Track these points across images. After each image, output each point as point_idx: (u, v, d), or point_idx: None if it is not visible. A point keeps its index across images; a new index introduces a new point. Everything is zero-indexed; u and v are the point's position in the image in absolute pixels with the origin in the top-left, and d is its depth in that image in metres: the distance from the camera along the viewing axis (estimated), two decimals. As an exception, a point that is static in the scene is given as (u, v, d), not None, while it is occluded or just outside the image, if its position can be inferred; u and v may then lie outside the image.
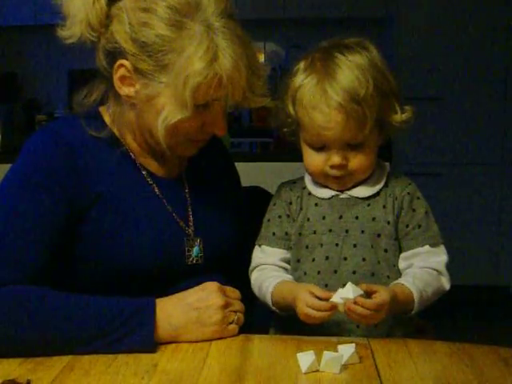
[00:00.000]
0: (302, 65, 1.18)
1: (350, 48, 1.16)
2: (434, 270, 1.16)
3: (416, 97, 3.60)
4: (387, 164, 1.26)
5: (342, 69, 1.13)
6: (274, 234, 1.24)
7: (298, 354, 0.99)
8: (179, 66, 1.08)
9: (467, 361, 1.01)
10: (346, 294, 1.04)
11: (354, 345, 1.02)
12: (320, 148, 1.17)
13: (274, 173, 2.80)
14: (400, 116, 1.20)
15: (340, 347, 1.00)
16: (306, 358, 0.98)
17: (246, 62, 1.11)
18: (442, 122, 3.69)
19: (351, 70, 1.13)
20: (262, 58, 4.11)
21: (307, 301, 1.06)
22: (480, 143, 3.70)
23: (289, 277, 1.21)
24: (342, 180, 1.19)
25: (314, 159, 1.18)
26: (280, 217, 1.24)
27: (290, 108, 1.18)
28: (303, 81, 1.16)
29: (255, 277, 1.23)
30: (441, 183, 3.70)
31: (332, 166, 1.16)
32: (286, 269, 1.23)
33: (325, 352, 0.98)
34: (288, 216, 1.24)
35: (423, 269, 1.16)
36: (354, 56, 1.15)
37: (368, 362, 1.00)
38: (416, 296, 1.10)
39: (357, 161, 1.17)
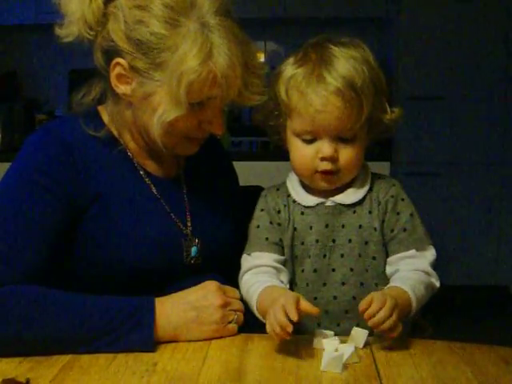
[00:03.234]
0: (291, 59, 1.16)
1: (342, 43, 1.15)
2: (421, 271, 1.14)
3: (416, 96, 3.61)
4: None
5: (338, 58, 1.12)
6: (267, 239, 1.20)
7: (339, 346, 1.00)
8: (174, 64, 1.08)
9: (467, 360, 1.01)
10: (355, 343, 1.04)
11: (353, 344, 1.02)
12: (310, 140, 1.14)
13: (274, 172, 2.80)
14: (389, 115, 1.18)
15: (340, 346, 1.00)
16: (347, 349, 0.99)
17: (241, 59, 1.10)
18: (441, 122, 3.69)
19: (347, 59, 1.12)
20: (262, 57, 4.11)
21: (277, 316, 1.00)
22: (480, 143, 3.70)
23: (278, 283, 1.14)
24: (330, 177, 1.15)
25: (303, 152, 1.15)
26: (271, 223, 1.21)
27: (283, 95, 1.14)
28: (296, 69, 1.13)
29: (245, 280, 1.18)
30: (441, 183, 3.70)
31: (322, 158, 1.13)
32: (278, 270, 1.18)
33: (325, 352, 0.98)
34: (279, 224, 1.20)
35: (410, 271, 1.13)
36: (348, 49, 1.14)
37: (368, 362, 1.00)
38: (411, 294, 1.07)
39: (347, 156, 1.14)
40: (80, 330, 1.04)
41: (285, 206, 1.21)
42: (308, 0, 3.82)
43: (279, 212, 1.21)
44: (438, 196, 3.66)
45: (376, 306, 1.00)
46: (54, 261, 1.13)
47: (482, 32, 3.63)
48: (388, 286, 1.12)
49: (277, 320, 1.00)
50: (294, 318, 0.98)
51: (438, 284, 1.15)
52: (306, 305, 1.02)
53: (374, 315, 1.00)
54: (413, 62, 3.65)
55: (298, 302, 1.01)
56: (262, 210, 1.23)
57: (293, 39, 4.05)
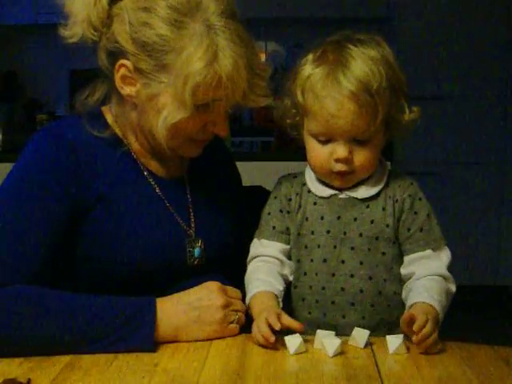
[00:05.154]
0: (310, 56, 1.16)
1: (362, 41, 1.15)
2: (438, 275, 1.14)
3: (416, 96, 3.59)
4: (388, 163, 1.25)
5: (355, 59, 1.11)
6: (274, 227, 1.22)
7: (285, 338, 1.04)
8: (179, 66, 1.08)
9: (468, 361, 1.01)
10: (356, 343, 1.06)
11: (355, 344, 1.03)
12: (326, 141, 1.14)
13: (275, 172, 2.80)
14: (408, 115, 1.18)
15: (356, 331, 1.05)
16: (293, 341, 1.03)
17: (246, 61, 1.10)
18: (442, 122, 3.69)
19: (364, 61, 1.11)
20: (263, 57, 4.12)
21: (260, 328, 1.05)
22: (480, 143, 3.71)
23: (277, 287, 1.17)
24: (345, 177, 1.16)
25: (318, 152, 1.16)
26: (281, 211, 1.23)
27: (299, 96, 1.15)
28: (314, 70, 1.13)
29: (249, 269, 1.22)
30: (441, 183, 3.70)
31: (337, 160, 1.14)
32: (282, 262, 1.21)
33: (318, 331, 1.05)
34: (288, 212, 1.22)
35: (428, 277, 1.13)
36: (367, 49, 1.13)
37: (369, 362, 1.00)
38: (439, 309, 1.07)
39: (362, 157, 1.14)
40: (81, 331, 1.04)
41: (297, 194, 1.23)
42: (308, 0, 3.82)
43: (290, 200, 1.23)
44: (438, 196, 3.65)
45: (421, 321, 1.01)
46: (57, 261, 1.13)
47: (482, 32, 3.63)
48: (416, 299, 1.09)
49: (261, 331, 1.05)
50: (277, 327, 1.03)
51: (454, 289, 1.16)
52: (287, 320, 1.06)
53: (421, 330, 1.01)
54: (412, 62, 3.65)
55: (280, 317, 1.06)
56: (276, 197, 1.25)
57: (294, 39, 4.05)
